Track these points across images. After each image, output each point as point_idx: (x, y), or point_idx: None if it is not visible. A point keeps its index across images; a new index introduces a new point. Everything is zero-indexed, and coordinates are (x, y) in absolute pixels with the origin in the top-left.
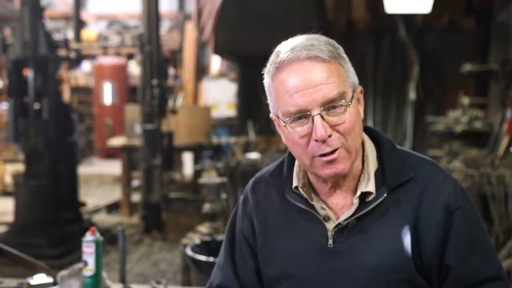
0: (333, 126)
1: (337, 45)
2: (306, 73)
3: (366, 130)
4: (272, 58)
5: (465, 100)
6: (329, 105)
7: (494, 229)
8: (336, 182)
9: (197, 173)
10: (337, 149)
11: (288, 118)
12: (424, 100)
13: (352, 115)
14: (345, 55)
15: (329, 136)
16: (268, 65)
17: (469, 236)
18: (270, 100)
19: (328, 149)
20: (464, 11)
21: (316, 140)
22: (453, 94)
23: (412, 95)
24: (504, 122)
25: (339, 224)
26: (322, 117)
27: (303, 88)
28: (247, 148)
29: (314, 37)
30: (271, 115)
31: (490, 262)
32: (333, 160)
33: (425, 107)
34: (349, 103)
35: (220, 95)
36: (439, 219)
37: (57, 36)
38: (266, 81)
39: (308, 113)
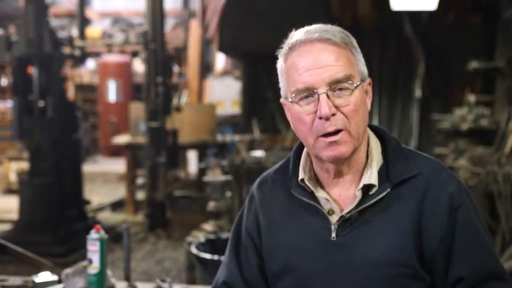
0: (338, 107)
1: (350, 35)
2: (317, 53)
3: (372, 128)
4: (287, 41)
5: (471, 98)
6: (336, 86)
7: (500, 228)
8: (339, 172)
9: (202, 171)
10: (340, 131)
11: (294, 95)
12: (430, 98)
13: (357, 99)
14: (357, 46)
15: (333, 115)
16: (282, 47)
17: (472, 234)
18: (281, 82)
19: (332, 128)
20: (470, 8)
21: (320, 118)
22: (459, 91)
23: (417, 92)
24: (511, 120)
25: (342, 216)
26: (328, 96)
27: (312, 67)
28: (251, 146)
29: (329, 25)
30: (281, 100)
31: (493, 261)
32: (336, 141)
33: (430, 105)
34: (356, 85)
35: (224, 92)
36: (442, 216)
37: (62, 34)
38: (279, 63)
39: (315, 91)
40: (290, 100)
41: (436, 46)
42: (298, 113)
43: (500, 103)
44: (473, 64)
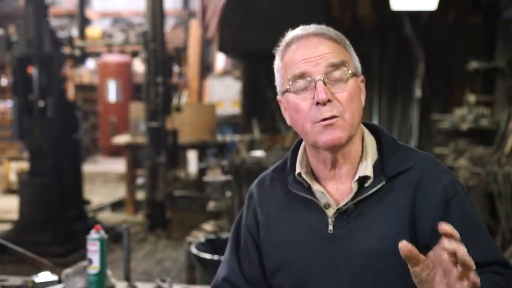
0: (333, 94)
1: (344, 36)
2: (313, 46)
3: (368, 126)
4: (283, 40)
5: (471, 98)
6: (332, 74)
7: (500, 228)
8: (335, 162)
9: (202, 171)
10: (336, 117)
11: (291, 82)
12: (430, 98)
13: (352, 88)
14: (351, 47)
15: (329, 101)
16: (279, 46)
17: (471, 223)
18: (277, 79)
19: (328, 113)
20: (470, 8)
21: (317, 104)
22: (459, 91)
23: (417, 92)
24: (511, 120)
25: (338, 209)
26: (324, 83)
27: (308, 56)
28: (251, 146)
29: (324, 26)
30: (278, 97)
31: (495, 249)
32: (331, 124)
33: (431, 105)
34: (351, 73)
35: (224, 92)
36: (436, 206)
37: (62, 34)
38: (276, 61)
39: (311, 77)
40: (288, 87)
41: (436, 46)
42: (295, 102)
43: (500, 103)
44: (473, 64)
